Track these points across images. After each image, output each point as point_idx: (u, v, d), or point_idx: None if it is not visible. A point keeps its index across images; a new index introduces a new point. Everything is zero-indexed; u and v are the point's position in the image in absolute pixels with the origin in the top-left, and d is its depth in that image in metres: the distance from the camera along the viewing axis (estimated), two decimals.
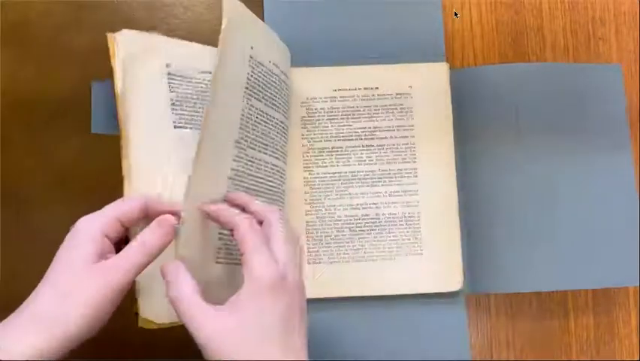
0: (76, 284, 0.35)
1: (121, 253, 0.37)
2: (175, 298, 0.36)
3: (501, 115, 0.55)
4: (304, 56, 0.56)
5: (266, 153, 0.49)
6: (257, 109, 0.47)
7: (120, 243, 0.39)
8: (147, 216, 0.39)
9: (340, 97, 0.55)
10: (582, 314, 0.56)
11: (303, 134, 0.55)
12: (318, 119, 0.55)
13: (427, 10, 0.58)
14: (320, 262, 0.53)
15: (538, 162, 0.55)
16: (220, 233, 0.44)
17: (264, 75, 0.48)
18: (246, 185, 0.47)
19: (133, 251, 0.37)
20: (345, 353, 0.53)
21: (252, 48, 0.46)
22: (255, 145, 0.48)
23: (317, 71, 0.55)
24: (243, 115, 0.46)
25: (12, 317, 0.36)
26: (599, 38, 0.59)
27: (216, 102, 0.42)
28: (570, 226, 0.54)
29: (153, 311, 0.44)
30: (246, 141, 0.46)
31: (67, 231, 0.39)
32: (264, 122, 0.48)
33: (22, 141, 0.55)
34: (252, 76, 0.47)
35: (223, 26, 0.43)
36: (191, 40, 0.52)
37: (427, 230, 0.54)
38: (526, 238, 0.53)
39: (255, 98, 0.47)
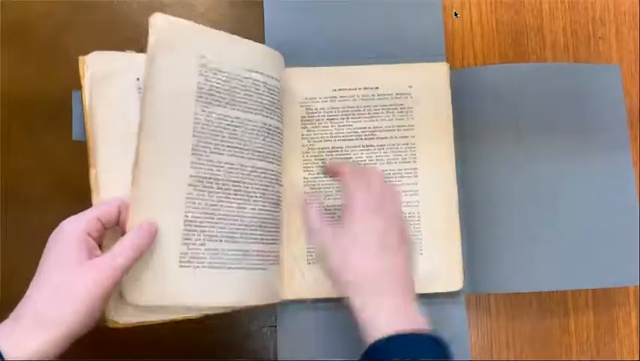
0: (71, 283, 0.37)
1: (111, 250, 0.39)
2: (308, 224, 0.45)
3: (501, 115, 0.55)
4: (304, 56, 0.56)
5: (242, 157, 0.48)
6: (220, 115, 0.48)
7: (101, 244, 0.41)
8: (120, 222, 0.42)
9: (340, 97, 0.55)
10: (582, 314, 0.56)
11: (303, 135, 0.55)
12: (318, 119, 0.55)
13: (427, 10, 0.58)
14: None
15: (538, 162, 0.55)
16: (186, 240, 0.45)
17: (226, 81, 0.48)
18: (217, 189, 0.47)
19: (123, 248, 0.39)
20: (345, 353, 0.53)
21: (202, 57, 0.47)
22: (223, 150, 0.48)
23: (317, 71, 0.55)
24: (197, 122, 0.46)
25: (11, 320, 0.37)
26: (599, 38, 0.59)
27: (152, 115, 0.45)
28: (570, 226, 0.54)
29: (118, 313, 0.44)
30: (206, 147, 0.47)
31: None
32: (234, 126, 0.48)
33: (22, 141, 0.55)
34: (205, 84, 0.47)
35: (151, 42, 0.45)
36: None
37: (427, 230, 0.54)
38: (526, 238, 0.53)
39: (215, 104, 0.47)
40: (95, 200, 0.46)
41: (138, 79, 0.49)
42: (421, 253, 0.53)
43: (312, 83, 0.55)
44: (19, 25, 0.56)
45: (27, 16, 0.56)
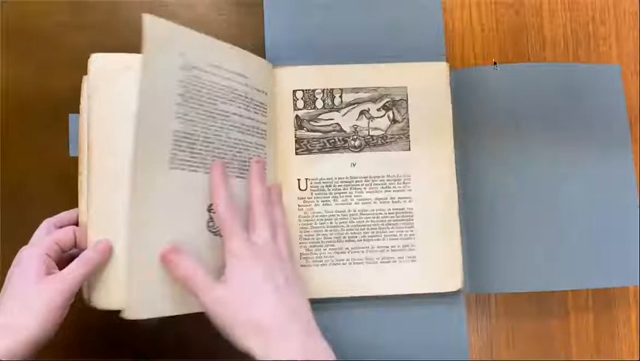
0: (31, 296, 0.42)
1: (66, 268, 0.44)
2: (183, 277, 0.42)
3: (501, 115, 0.55)
4: (304, 55, 0.56)
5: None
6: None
7: (60, 264, 0.45)
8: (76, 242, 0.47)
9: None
10: (582, 314, 0.56)
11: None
12: None
13: (426, 10, 0.58)
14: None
15: (538, 162, 0.55)
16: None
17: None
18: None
19: (76, 265, 0.44)
20: (345, 353, 0.53)
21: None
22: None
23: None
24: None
25: None
26: (599, 38, 0.59)
27: (98, 136, 0.48)
28: (570, 226, 0.54)
29: (101, 298, 0.47)
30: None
31: None
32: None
33: (22, 141, 0.55)
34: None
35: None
36: None
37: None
38: (526, 238, 0.53)
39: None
40: (80, 199, 0.49)
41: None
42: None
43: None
44: (19, 25, 0.56)
45: (27, 16, 0.56)
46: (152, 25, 0.45)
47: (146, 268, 0.43)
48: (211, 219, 0.47)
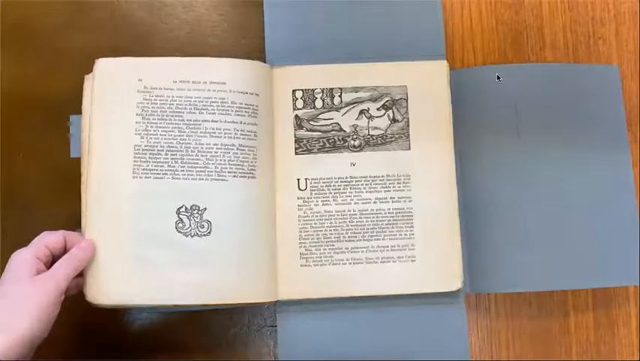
0: (21, 295, 0.43)
1: (53, 266, 0.46)
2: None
3: (501, 115, 0.55)
4: (304, 55, 0.56)
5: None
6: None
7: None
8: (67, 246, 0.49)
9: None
10: (582, 314, 0.56)
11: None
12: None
13: (426, 9, 0.58)
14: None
15: (538, 162, 0.55)
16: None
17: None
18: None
19: (60, 264, 0.46)
20: (345, 353, 0.53)
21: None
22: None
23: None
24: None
25: None
26: (599, 38, 0.59)
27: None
28: (570, 226, 0.54)
29: (92, 294, 0.49)
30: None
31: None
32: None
33: (22, 141, 0.55)
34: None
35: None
36: (191, 40, 0.53)
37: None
38: (526, 238, 0.53)
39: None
40: (83, 196, 0.51)
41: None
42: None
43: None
44: (19, 25, 0.56)
45: (27, 16, 0.56)
46: (104, 65, 0.52)
47: (110, 262, 0.49)
48: (180, 220, 0.50)
